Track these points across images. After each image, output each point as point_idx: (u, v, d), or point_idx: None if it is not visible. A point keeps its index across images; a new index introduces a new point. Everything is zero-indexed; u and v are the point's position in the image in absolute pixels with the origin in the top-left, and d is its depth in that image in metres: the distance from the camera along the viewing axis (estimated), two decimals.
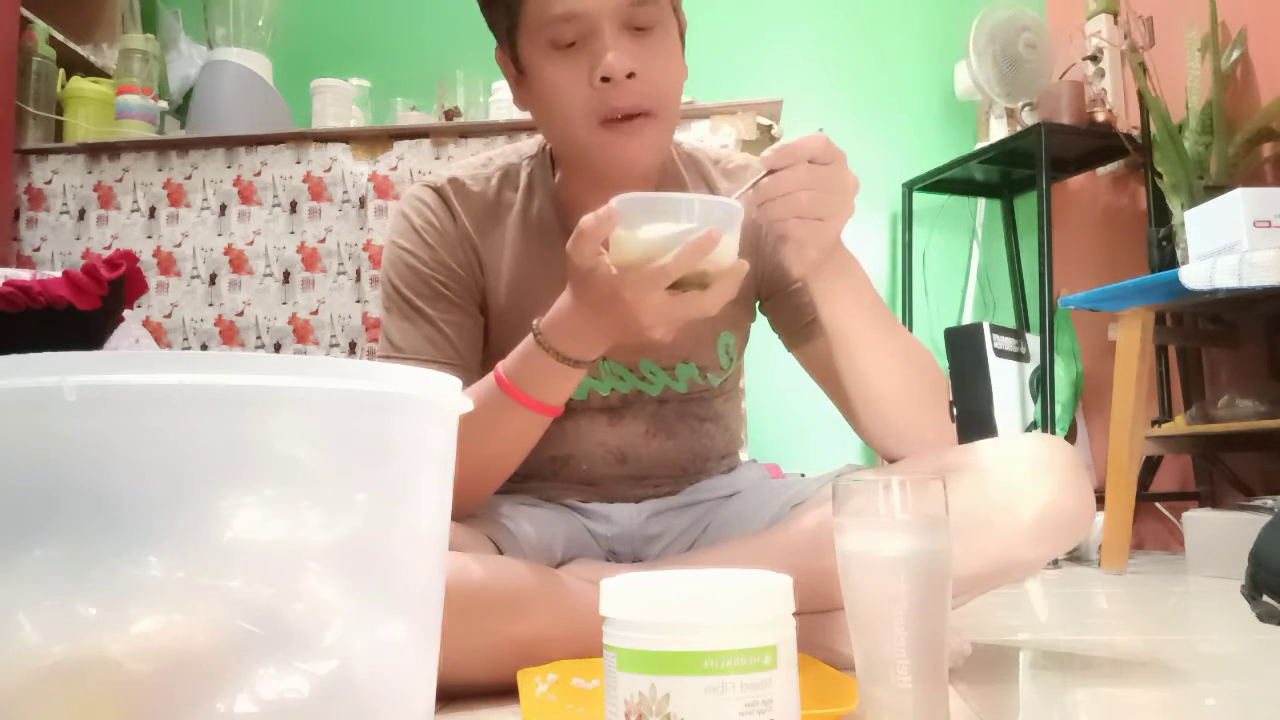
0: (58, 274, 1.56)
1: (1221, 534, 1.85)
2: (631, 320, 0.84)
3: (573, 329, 0.89)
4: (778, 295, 1.13)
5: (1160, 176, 2.29)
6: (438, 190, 1.09)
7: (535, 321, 0.91)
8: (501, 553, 0.98)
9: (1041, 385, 2.48)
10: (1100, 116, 2.59)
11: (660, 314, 0.83)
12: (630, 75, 0.93)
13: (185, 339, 2.37)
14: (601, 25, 0.93)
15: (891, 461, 1.03)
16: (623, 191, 0.82)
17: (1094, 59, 2.70)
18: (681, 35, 1.03)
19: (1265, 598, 1.27)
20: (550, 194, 1.09)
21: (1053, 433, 2.48)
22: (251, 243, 2.39)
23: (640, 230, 0.80)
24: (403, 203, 1.10)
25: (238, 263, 2.38)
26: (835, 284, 0.94)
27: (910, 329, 2.81)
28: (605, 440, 1.11)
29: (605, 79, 0.93)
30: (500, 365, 0.94)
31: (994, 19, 2.77)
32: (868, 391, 0.99)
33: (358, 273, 2.34)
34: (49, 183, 2.44)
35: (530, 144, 1.14)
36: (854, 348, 0.97)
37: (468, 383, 0.97)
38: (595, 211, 0.82)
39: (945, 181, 2.89)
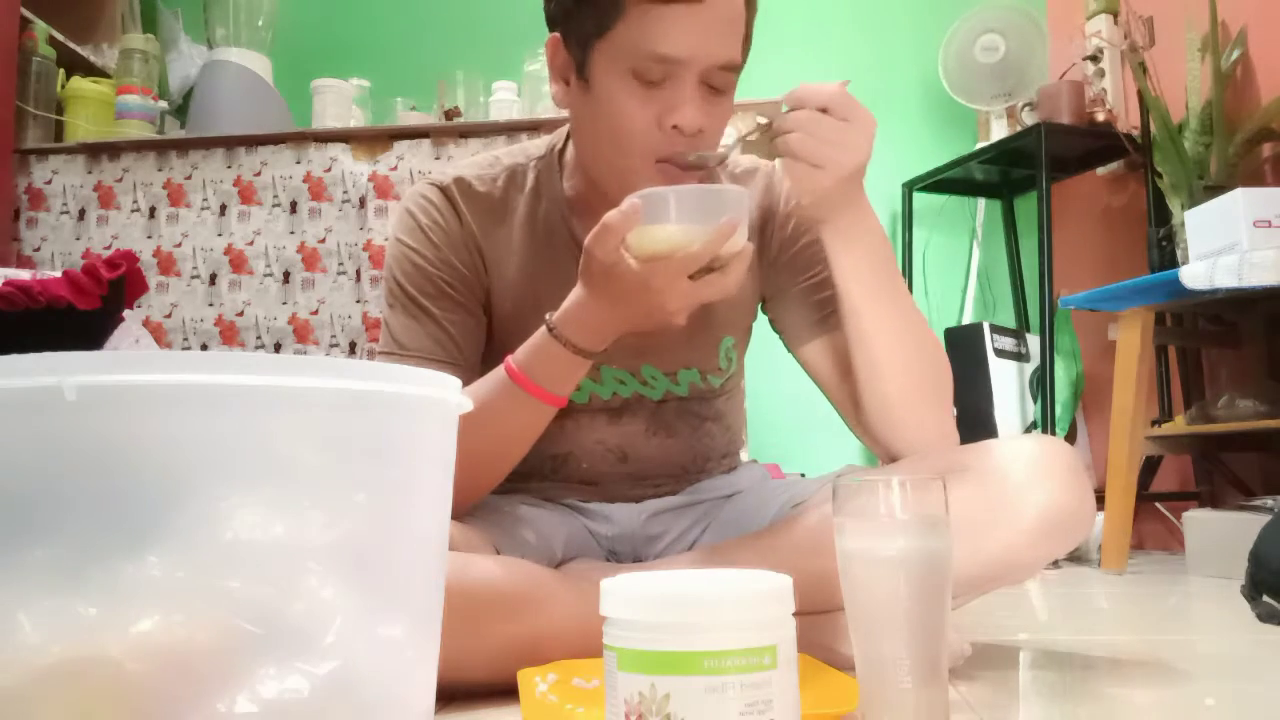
0: (58, 274, 1.56)
1: (1221, 534, 1.85)
2: (656, 307, 0.88)
3: (590, 321, 0.91)
4: (780, 296, 1.13)
5: (1160, 176, 2.29)
6: (443, 189, 1.09)
7: (548, 315, 0.93)
8: (500, 553, 0.98)
9: (1041, 385, 2.48)
10: (1100, 116, 2.59)
11: (684, 299, 0.88)
12: (700, 131, 0.95)
13: (185, 339, 2.37)
14: (688, 76, 0.94)
15: (891, 462, 1.03)
16: None
17: (1094, 59, 2.70)
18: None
19: (1265, 598, 1.27)
20: (557, 197, 1.09)
21: (1053, 433, 2.48)
22: (251, 243, 2.39)
23: (664, 223, 0.85)
24: (407, 200, 1.10)
25: (238, 263, 2.38)
26: (849, 244, 0.97)
27: None
28: (605, 439, 1.11)
29: (675, 127, 0.94)
30: (510, 358, 0.95)
31: (963, 25, 2.79)
32: (871, 365, 0.99)
33: (358, 273, 2.34)
34: (49, 183, 2.44)
35: (538, 145, 1.14)
36: (864, 318, 0.98)
37: (468, 383, 0.97)
38: (619, 207, 0.85)
39: (945, 181, 2.89)
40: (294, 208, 2.38)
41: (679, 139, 0.95)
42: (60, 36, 2.55)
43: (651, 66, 0.93)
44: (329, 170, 2.38)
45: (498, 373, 0.96)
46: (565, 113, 1.05)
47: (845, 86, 0.91)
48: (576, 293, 0.91)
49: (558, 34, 1.01)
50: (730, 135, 2.30)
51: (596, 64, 0.97)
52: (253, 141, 2.41)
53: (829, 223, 0.96)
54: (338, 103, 2.58)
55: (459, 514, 0.96)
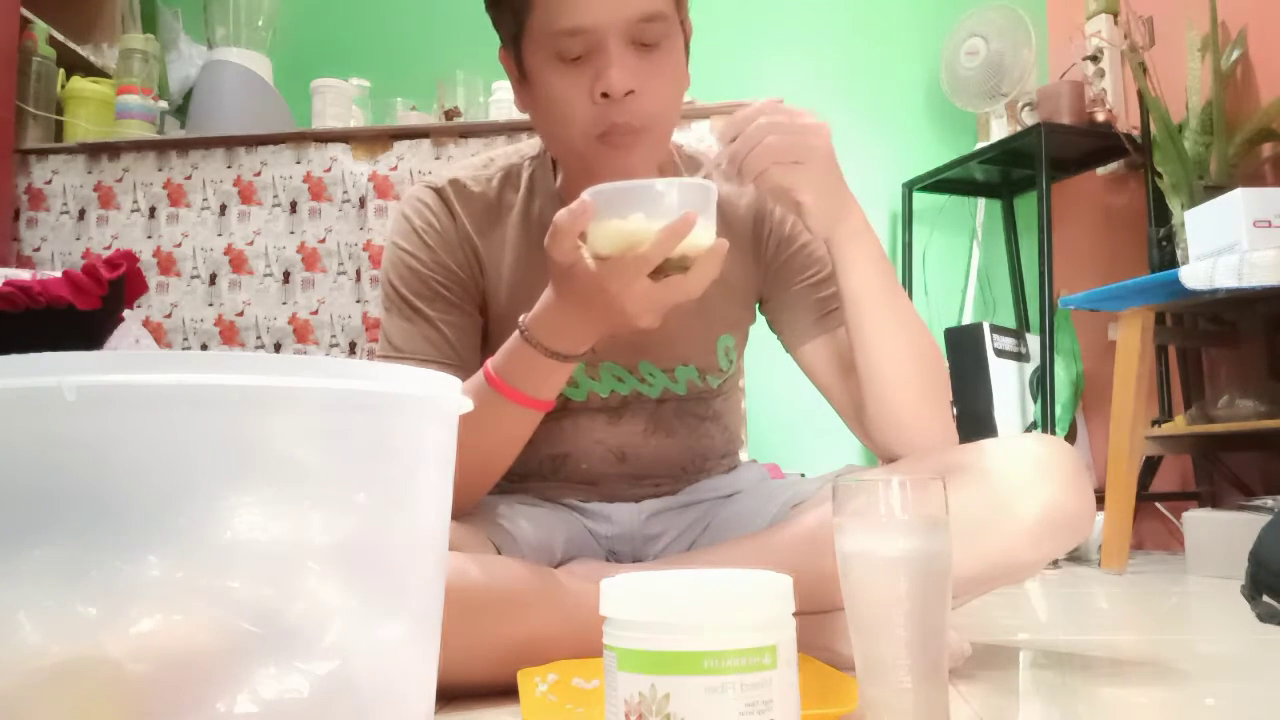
0: (58, 274, 1.56)
1: (1221, 534, 1.85)
2: (617, 311, 0.84)
3: (558, 325, 0.89)
4: (778, 296, 1.13)
5: (1160, 176, 2.30)
6: (438, 191, 1.09)
7: (521, 318, 0.91)
8: (500, 553, 0.98)
9: (1041, 385, 2.48)
10: (1100, 116, 2.59)
11: (645, 302, 0.84)
12: (630, 93, 0.94)
13: (185, 339, 2.37)
14: (607, 41, 0.93)
15: (891, 461, 1.03)
16: None
17: (1094, 59, 2.70)
18: (687, 44, 1.03)
19: (1265, 598, 1.27)
20: (551, 194, 1.09)
21: (1053, 433, 2.48)
22: (251, 243, 2.39)
23: (616, 220, 0.80)
24: (403, 203, 1.10)
25: (238, 263, 2.38)
26: (857, 251, 0.96)
27: None
28: (604, 439, 1.11)
29: (605, 95, 0.93)
30: (489, 362, 0.94)
31: (956, 32, 2.81)
32: (876, 369, 0.99)
33: (358, 273, 2.34)
34: (49, 183, 2.44)
35: (532, 144, 1.14)
36: (870, 324, 0.98)
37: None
38: (569, 206, 0.82)
39: (945, 181, 2.89)
40: (294, 208, 2.38)
41: (612, 107, 0.94)
42: (60, 36, 2.55)
43: (568, 43, 0.93)
44: (329, 170, 2.38)
45: (478, 378, 0.94)
46: None
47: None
48: (546, 294, 0.90)
49: (502, 45, 1.03)
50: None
51: (527, 59, 0.98)
52: (253, 141, 2.41)
53: (837, 231, 0.95)
54: (338, 103, 2.58)
55: (457, 515, 0.95)
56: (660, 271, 0.82)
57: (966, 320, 2.92)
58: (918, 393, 1.00)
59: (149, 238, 2.40)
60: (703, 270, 0.83)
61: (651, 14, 0.94)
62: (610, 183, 0.81)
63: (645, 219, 0.79)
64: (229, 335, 2.37)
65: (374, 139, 2.39)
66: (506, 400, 0.92)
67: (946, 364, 1.06)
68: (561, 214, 0.82)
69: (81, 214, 2.42)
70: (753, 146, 0.87)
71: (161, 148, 2.44)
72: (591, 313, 0.86)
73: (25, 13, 2.40)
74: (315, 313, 2.35)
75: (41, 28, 2.47)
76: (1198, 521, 1.96)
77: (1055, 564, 2.12)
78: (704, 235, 0.81)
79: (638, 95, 0.94)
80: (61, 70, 2.54)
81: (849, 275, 0.97)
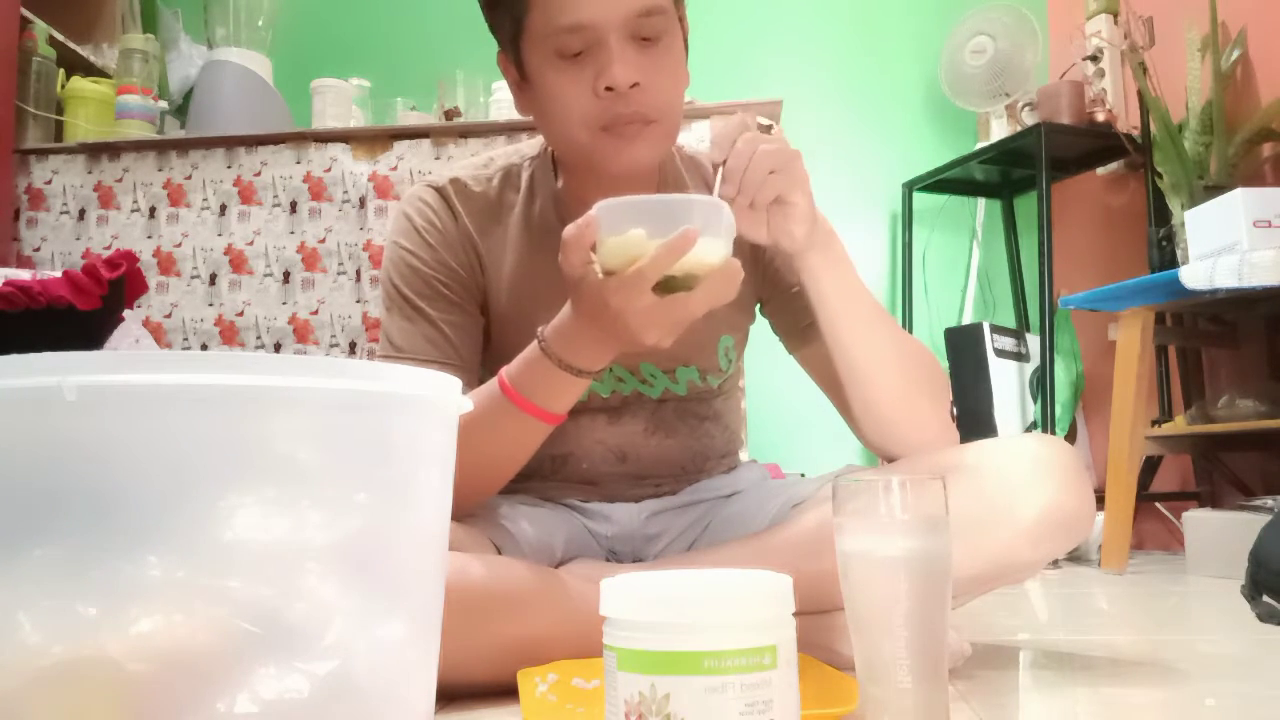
0: (58, 274, 1.56)
1: (1221, 534, 1.85)
2: (623, 327, 0.82)
3: (573, 338, 0.88)
4: (779, 298, 1.13)
5: (1160, 176, 2.30)
6: (439, 190, 1.09)
7: (540, 329, 0.91)
8: (501, 553, 0.98)
9: (1041, 385, 2.48)
10: (1100, 116, 2.59)
11: (649, 318, 0.82)
12: (634, 86, 0.94)
13: (185, 339, 2.37)
14: (608, 36, 0.93)
15: (891, 461, 1.03)
16: (623, 194, 0.82)
17: (1094, 59, 2.70)
18: (685, 42, 1.03)
19: (1265, 598, 1.27)
20: (551, 195, 1.09)
21: (1053, 433, 2.48)
22: (251, 243, 2.39)
23: (621, 235, 0.79)
24: (404, 203, 1.10)
25: (238, 263, 2.38)
26: (824, 258, 0.95)
27: (910, 329, 2.81)
28: (605, 439, 1.11)
29: (609, 89, 0.93)
30: (504, 370, 0.93)
31: (958, 32, 2.82)
32: (859, 373, 0.99)
33: (358, 273, 2.34)
34: (49, 183, 2.43)
35: (532, 145, 1.14)
36: (843, 330, 0.97)
37: (467, 383, 0.97)
38: (577, 220, 0.81)
39: (945, 181, 2.89)
40: (294, 208, 2.38)
41: (617, 100, 0.94)
42: (60, 36, 2.55)
43: (568, 40, 0.93)
44: (329, 170, 2.38)
45: (492, 385, 0.94)
46: None
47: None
48: (566, 306, 0.89)
49: (500, 48, 1.03)
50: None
51: (527, 60, 0.98)
52: (253, 141, 2.41)
53: (814, 238, 0.93)
54: (338, 103, 2.58)
55: (459, 516, 0.95)
56: (669, 289, 0.80)
57: (966, 320, 2.92)
58: (904, 392, 1.00)
59: (149, 238, 2.40)
60: (709, 289, 0.81)
61: (651, 8, 0.94)
62: (618, 197, 0.81)
63: (647, 234, 0.78)
64: (229, 335, 2.36)
65: (374, 139, 2.39)
66: (519, 410, 0.92)
67: (938, 362, 1.06)
68: (569, 228, 0.82)
69: (81, 214, 2.42)
70: (750, 157, 0.86)
71: (161, 148, 2.44)
72: (600, 328, 0.85)
73: (25, 13, 2.40)
74: (315, 313, 2.35)
75: (41, 28, 2.47)
76: (1198, 521, 1.96)
77: (1055, 564, 2.12)
78: (711, 253, 0.79)
79: (642, 88, 0.94)
80: (61, 70, 2.54)
81: (821, 282, 0.96)
